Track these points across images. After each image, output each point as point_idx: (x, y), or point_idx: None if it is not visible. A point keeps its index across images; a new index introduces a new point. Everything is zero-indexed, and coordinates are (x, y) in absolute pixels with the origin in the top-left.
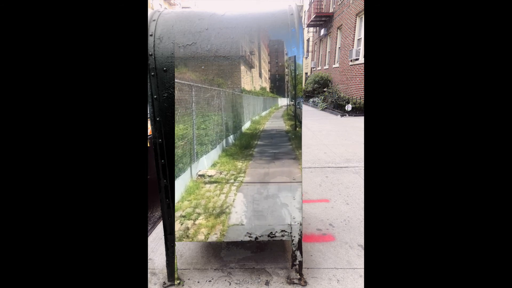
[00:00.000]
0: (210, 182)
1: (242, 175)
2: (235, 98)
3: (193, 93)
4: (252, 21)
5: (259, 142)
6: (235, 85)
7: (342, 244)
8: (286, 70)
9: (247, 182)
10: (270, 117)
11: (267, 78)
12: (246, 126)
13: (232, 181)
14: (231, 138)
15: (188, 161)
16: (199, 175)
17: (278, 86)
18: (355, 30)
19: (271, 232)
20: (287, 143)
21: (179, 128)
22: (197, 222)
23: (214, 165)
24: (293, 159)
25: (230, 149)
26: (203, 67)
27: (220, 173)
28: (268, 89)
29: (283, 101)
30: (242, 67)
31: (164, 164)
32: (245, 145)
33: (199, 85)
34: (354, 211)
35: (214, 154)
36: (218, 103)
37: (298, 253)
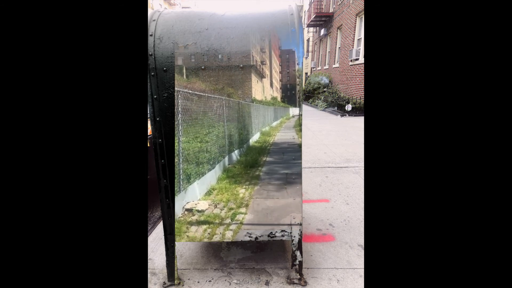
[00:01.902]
0: (199, 223)
1: (243, 210)
2: (241, 108)
3: (179, 101)
4: (252, 21)
5: (268, 159)
6: (245, 95)
7: (342, 244)
8: (298, 80)
9: (248, 223)
10: (281, 128)
11: (278, 88)
12: (254, 138)
13: (228, 220)
14: (235, 154)
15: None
16: (186, 210)
17: (289, 95)
18: (355, 30)
19: (271, 232)
20: (301, 160)
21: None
22: None
23: (209, 192)
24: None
25: (232, 169)
26: (203, 67)
27: (215, 206)
28: (279, 99)
29: (295, 111)
30: (253, 77)
31: (164, 164)
32: (251, 163)
33: (189, 91)
34: (354, 211)
35: (212, 176)
36: (219, 113)
37: (298, 253)
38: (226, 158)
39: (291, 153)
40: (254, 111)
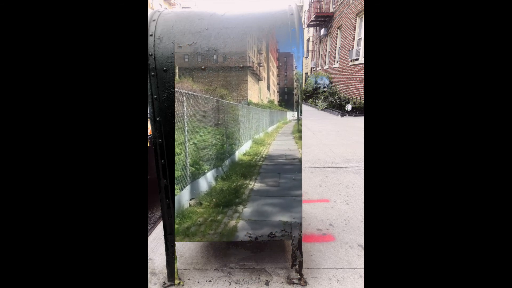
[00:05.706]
0: None
1: None
2: (226, 109)
3: None
4: (252, 21)
5: (256, 185)
6: (241, 97)
7: (342, 244)
8: (296, 83)
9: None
10: (278, 134)
11: (276, 91)
12: (244, 148)
13: None
14: (208, 177)
15: None
16: None
17: (287, 99)
18: (355, 30)
19: (271, 232)
20: (302, 189)
21: None
22: None
23: None
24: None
25: (191, 212)
26: (203, 66)
27: None
28: (276, 102)
29: (294, 115)
30: (249, 78)
31: (164, 164)
32: (227, 198)
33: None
34: (354, 211)
35: None
36: (178, 112)
37: (298, 253)
38: (186, 190)
39: (290, 174)
40: (245, 115)
